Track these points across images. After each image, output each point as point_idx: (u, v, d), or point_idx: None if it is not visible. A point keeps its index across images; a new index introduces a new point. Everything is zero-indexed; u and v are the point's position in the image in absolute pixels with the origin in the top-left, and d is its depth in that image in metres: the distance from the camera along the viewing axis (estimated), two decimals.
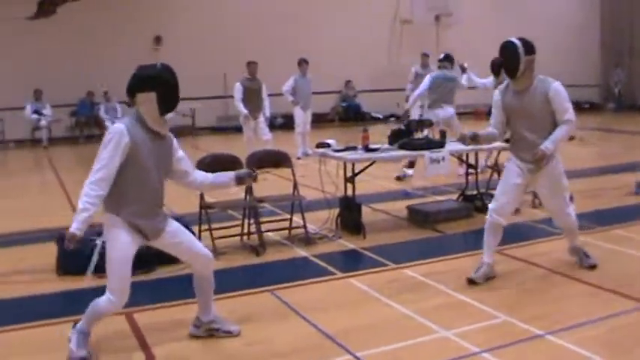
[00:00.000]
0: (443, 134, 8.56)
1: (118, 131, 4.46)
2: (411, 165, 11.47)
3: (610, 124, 22.02)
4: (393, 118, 18.96)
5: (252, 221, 7.75)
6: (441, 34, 22.47)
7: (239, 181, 5.18)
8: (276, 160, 8.13)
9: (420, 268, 6.77)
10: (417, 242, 7.87)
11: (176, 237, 4.87)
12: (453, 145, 8.35)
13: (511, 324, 5.25)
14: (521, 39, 6.06)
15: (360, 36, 22.09)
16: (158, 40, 20.19)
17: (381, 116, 23.08)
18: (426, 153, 7.99)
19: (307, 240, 7.71)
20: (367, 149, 8.09)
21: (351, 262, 7.30)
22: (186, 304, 5.69)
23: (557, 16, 26.53)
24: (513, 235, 7.76)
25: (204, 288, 5.04)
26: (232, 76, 20.21)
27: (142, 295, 6.05)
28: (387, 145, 8.35)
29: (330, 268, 6.83)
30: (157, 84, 4.54)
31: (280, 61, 19.14)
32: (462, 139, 6.44)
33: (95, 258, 5.03)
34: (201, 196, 7.40)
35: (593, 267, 6.49)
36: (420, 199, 9.88)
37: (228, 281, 6.56)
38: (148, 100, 4.54)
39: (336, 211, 8.32)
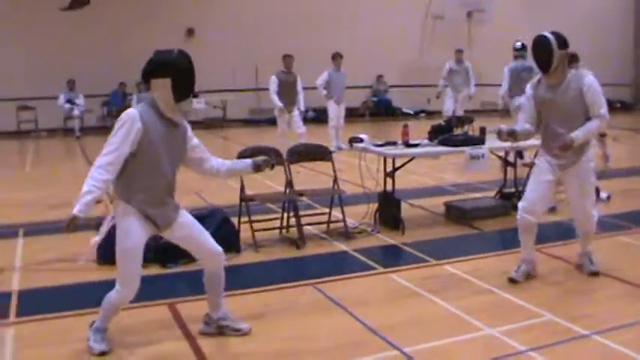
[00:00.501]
0: (482, 130, 8.53)
1: (130, 116, 4.39)
2: None
3: None
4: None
5: (291, 214, 7.77)
6: (473, 30, 22.39)
7: (256, 168, 5.06)
8: (317, 153, 8.17)
9: (461, 265, 6.77)
10: (456, 239, 7.87)
11: (187, 229, 4.79)
12: (492, 142, 8.32)
13: (555, 323, 5.24)
14: (554, 33, 5.93)
15: (391, 31, 22.06)
16: (191, 31, 20.30)
17: (412, 112, 23.09)
18: (466, 149, 7.97)
19: (346, 234, 7.73)
20: (407, 145, 8.08)
21: (392, 257, 7.31)
22: (228, 295, 5.72)
23: (590, 13, 26.31)
24: (553, 233, 7.83)
25: (215, 284, 4.97)
26: (264, 69, 20.34)
27: (183, 285, 6.19)
28: (426, 141, 8.33)
29: (371, 263, 6.85)
30: (172, 70, 4.45)
31: (312, 55, 19.16)
32: (499, 135, 6.37)
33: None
34: (242, 189, 7.44)
35: (595, 274, 6.32)
36: (456, 196, 9.86)
37: (269, 274, 6.66)
38: (162, 86, 4.46)
39: (375, 205, 8.32)
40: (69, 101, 19.23)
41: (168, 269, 6.65)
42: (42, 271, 6.73)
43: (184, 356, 4.74)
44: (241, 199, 7.49)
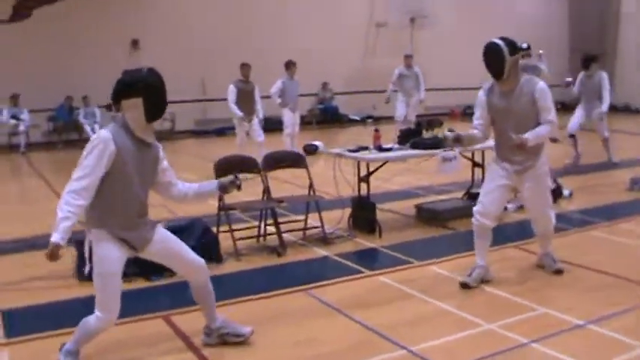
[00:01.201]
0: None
1: (103, 139, 4.28)
2: None
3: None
4: None
5: (269, 222, 7.82)
6: (416, 35, 22.72)
7: (223, 189, 5.00)
8: (292, 160, 8.26)
9: (445, 264, 6.93)
10: (433, 239, 8.04)
11: (165, 245, 4.73)
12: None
13: (550, 315, 5.44)
14: (504, 39, 5.99)
15: (335, 38, 22.21)
16: (135, 43, 20.06)
17: (358, 118, 23.30)
18: (438, 152, 8.13)
19: (325, 240, 7.80)
20: (380, 149, 8.21)
21: (375, 260, 7.42)
22: (224, 304, 5.77)
23: (528, 19, 26.88)
24: (526, 231, 8.00)
25: (204, 296, 4.95)
26: (211, 79, 20.36)
27: (176, 297, 6.17)
28: (397, 145, 8.47)
29: (356, 267, 6.95)
30: (143, 89, 4.35)
31: (258, 63, 19.19)
32: (445, 141, 6.45)
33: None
34: (220, 198, 7.45)
35: (559, 272, 6.49)
36: (425, 198, 10.03)
37: (256, 282, 6.70)
38: (133, 106, 4.36)
39: (349, 210, 8.42)
40: (13, 117, 18.81)
41: (154, 282, 6.60)
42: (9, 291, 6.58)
43: None
44: (220, 209, 7.50)
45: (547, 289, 6.17)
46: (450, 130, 6.48)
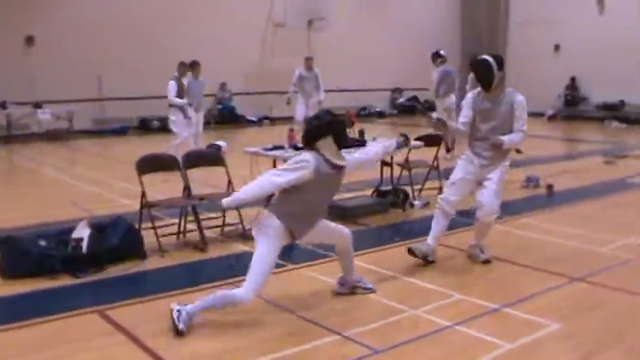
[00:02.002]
0: (362, 133, 9.13)
1: (309, 165, 5.18)
2: None
3: None
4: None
5: (189, 219, 7.98)
6: (313, 37, 23.15)
7: (399, 147, 6.40)
8: (211, 159, 8.46)
9: (362, 257, 7.23)
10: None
11: (320, 229, 5.69)
12: (370, 144, 8.97)
13: (467, 301, 5.92)
14: (493, 56, 6.83)
15: (234, 39, 22.34)
16: (30, 40, 19.59)
17: (255, 119, 23.53)
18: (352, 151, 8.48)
19: (244, 235, 8.02)
20: (296, 148, 8.50)
21: (295, 254, 7.63)
22: (152, 300, 6.02)
23: (422, 22, 27.85)
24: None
25: (346, 256, 6.02)
26: (108, 78, 20.16)
27: (107, 292, 6.32)
28: None
29: (278, 261, 7.13)
30: (331, 129, 5.35)
31: (157, 62, 19.22)
32: (430, 119, 7.24)
33: None
34: (143, 195, 7.58)
35: (487, 262, 7.11)
36: (336, 196, 10.36)
37: (182, 277, 6.91)
38: (327, 144, 5.33)
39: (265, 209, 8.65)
40: None
41: (81, 279, 6.66)
42: None
43: (139, 358, 4.92)
44: (143, 206, 7.61)
45: (462, 277, 6.67)
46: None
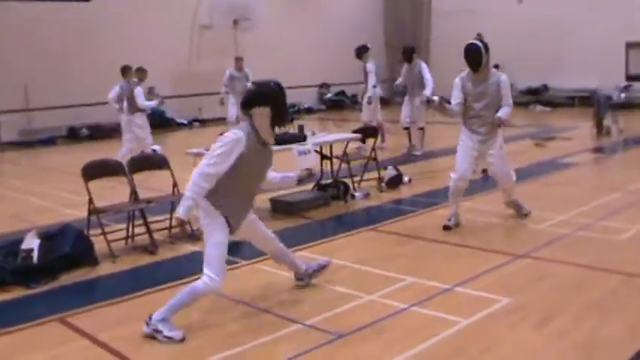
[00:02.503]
0: (301, 128, 9.28)
1: (237, 138, 5.07)
2: None
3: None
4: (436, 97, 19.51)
5: (137, 223, 8.00)
6: (239, 37, 23.18)
7: (300, 182, 5.99)
8: (157, 163, 8.49)
9: (313, 249, 7.44)
10: (294, 229, 8.51)
11: (251, 227, 5.71)
12: (313, 138, 9.16)
13: (419, 283, 6.13)
14: (480, 40, 7.61)
15: (160, 42, 22.15)
16: None
17: (185, 121, 23.41)
18: (294, 146, 8.65)
19: (192, 236, 8.05)
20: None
21: (244, 250, 7.70)
22: (108, 305, 6.05)
23: (345, 16, 28.08)
24: (376, 215, 8.81)
25: (282, 257, 6.05)
26: (34, 88, 19.78)
27: (65, 299, 6.32)
28: None
29: (231, 258, 7.13)
30: (272, 100, 5.22)
31: (83, 70, 18.99)
32: (428, 101, 7.79)
33: None
34: (90, 201, 7.56)
35: (526, 215, 8.26)
36: (276, 192, 10.48)
37: (135, 281, 6.93)
38: (263, 114, 5.19)
39: None
40: None
41: (35, 289, 6.62)
42: None
43: None
44: (91, 212, 7.59)
45: (410, 262, 6.87)
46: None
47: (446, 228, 7.83)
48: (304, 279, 6.13)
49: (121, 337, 5.30)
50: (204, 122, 23.06)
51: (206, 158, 5.10)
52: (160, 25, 22.32)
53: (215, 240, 5.21)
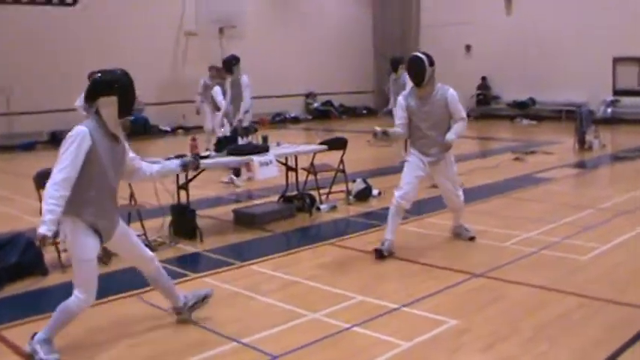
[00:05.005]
0: (265, 139, 9.08)
1: (80, 133, 4.65)
2: (237, 173, 11.97)
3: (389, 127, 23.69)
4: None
5: None
6: (225, 45, 22.97)
7: (184, 167, 5.78)
8: None
9: (265, 263, 7.25)
10: (252, 241, 8.32)
11: (125, 239, 5.21)
12: (275, 149, 8.96)
13: (367, 302, 5.91)
14: (424, 53, 7.18)
15: (145, 49, 22.00)
16: None
17: (169, 129, 23.25)
18: (255, 157, 8.45)
19: (148, 247, 7.82)
20: (198, 156, 8.37)
21: (198, 263, 7.60)
22: (42, 319, 5.77)
23: (334, 27, 28.03)
24: (339, 229, 8.62)
25: (160, 282, 5.45)
26: (15, 92, 19.58)
27: (1, 313, 6.08)
28: (214, 153, 8.69)
29: (181, 270, 7.07)
30: (118, 88, 4.81)
31: (66, 75, 18.77)
32: (374, 135, 7.34)
33: None
34: (41, 209, 7.33)
35: (472, 238, 7.81)
36: (243, 204, 10.31)
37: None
38: (109, 104, 4.78)
39: (168, 218, 8.54)
40: None
41: None
42: None
43: None
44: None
45: (363, 279, 6.65)
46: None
47: (377, 252, 7.20)
48: (183, 313, 5.54)
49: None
50: (188, 129, 22.85)
51: (56, 165, 4.62)
52: (145, 31, 22.19)
53: (79, 257, 4.82)
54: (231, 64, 12.09)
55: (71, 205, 4.67)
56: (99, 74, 4.90)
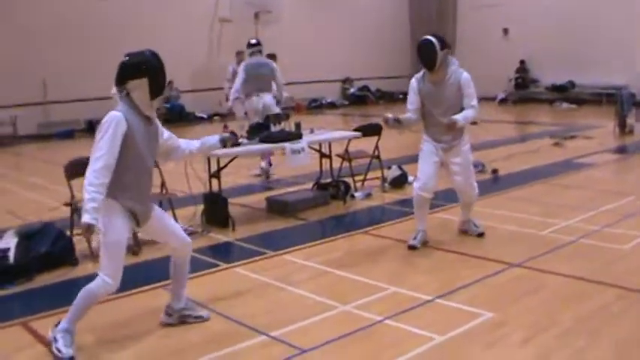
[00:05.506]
0: (298, 126, 8.95)
1: (115, 118, 4.59)
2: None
3: None
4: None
5: None
6: (260, 31, 22.84)
7: (223, 143, 5.63)
8: None
9: (297, 253, 7.14)
10: (285, 230, 8.22)
11: (161, 221, 5.12)
12: (309, 137, 8.83)
13: (400, 293, 5.76)
14: (435, 35, 6.73)
15: (180, 35, 21.96)
16: None
17: (205, 116, 23.24)
18: (287, 145, 8.34)
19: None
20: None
21: (230, 252, 7.51)
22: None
23: (369, 12, 27.75)
24: (374, 217, 8.46)
25: (181, 273, 5.30)
26: (52, 81, 19.70)
27: (33, 302, 6.06)
28: (246, 140, 8.59)
29: (213, 261, 7.01)
30: (148, 69, 4.73)
31: (101, 63, 18.76)
32: (386, 122, 7.03)
33: None
34: (72, 199, 7.33)
35: (481, 235, 7.38)
36: (275, 191, 10.20)
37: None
38: (139, 86, 4.70)
39: (201, 207, 8.46)
40: None
41: (7, 290, 6.40)
42: None
43: None
44: (73, 211, 7.34)
45: (397, 269, 6.51)
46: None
47: (411, 248, 7.02)
48: (173, 316, 5.32)
49: (80, 345, 4.98)
50: (224, 116, 22.79)
51: (93, 152, 4.56)
52: (179, 19, 22.18)
53: (109, 239, 4.70)
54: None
55: (109, 189, 4.61)
56: (127, 57, 4.80)
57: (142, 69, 4.72)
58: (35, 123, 20.34)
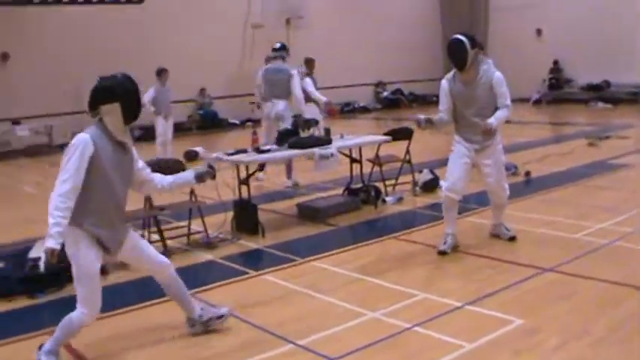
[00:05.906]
0: (328, 132, 8.91)
1: (82, 142, 4.47)
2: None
3: None
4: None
5: (152, 230, 7.77)
6: (292, 37, 22.88)
7: (199, 179, 5.28)
8: (172, 167, 8.20)
9: (327, 259, 7.08)
10: (315, 236, 8.17)
11: (136, 248, 4.96)
12: (339, 142, 8.79)
13: (429, 300, 5.69)
14: (465, 34, 6.63)
15: (212, 43, 22.07)
16: (5, 56, 19.31)
17: (238, 122, 23.29)
18: (316, 150, 8.30)
19: (209, 244, 7.82)
20: (259, 151, 8.29)
21: (260, 260, 7.49)
22: (117, 314, 5.84)
23: (400, 15, 27.61)
24: (405, 222, 8.38)
25: (175, 291, 5.19)
26: (86, 90, 19.74)
27: (60, 313, 6.06)
28: (275, 146, 8.57)
29: (242, 268, 7.00)
30: (120, 93, 4.58)
31: (135, 70, 18.86)
32: (418, 124, 6.98)
33: None
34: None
35: (513, 238, 7.25)
36: (306, 197, 10.16)
37: (146, 290, 6.59)
38: (112, 111, 4.57)
39: (231, 214, 8.45)
40: None
41: (37, 300, 6.45)
42: None
43: None
44: None
45: (427, 275, 6.45)
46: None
47: (441, 253, 6.92)
48: (196, 325, 5.25)
49: (106, 354, 5.03)
50: (257, 122, 22.82)
51: (60, 175, 4.42)
52: (211, 26, 22.24)
53: (80, 272, 4.59)
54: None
55: (74, 214, 4.46)
56: (99, 80, 4.66)
57: (115, 93, 4.58)
58: (70, 132, 20.47)
